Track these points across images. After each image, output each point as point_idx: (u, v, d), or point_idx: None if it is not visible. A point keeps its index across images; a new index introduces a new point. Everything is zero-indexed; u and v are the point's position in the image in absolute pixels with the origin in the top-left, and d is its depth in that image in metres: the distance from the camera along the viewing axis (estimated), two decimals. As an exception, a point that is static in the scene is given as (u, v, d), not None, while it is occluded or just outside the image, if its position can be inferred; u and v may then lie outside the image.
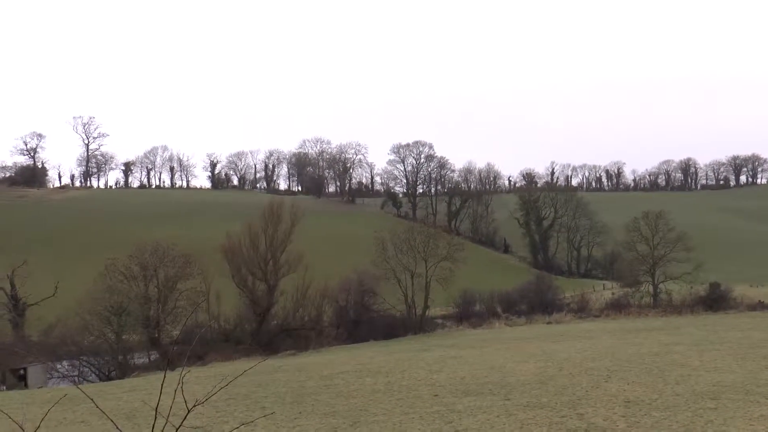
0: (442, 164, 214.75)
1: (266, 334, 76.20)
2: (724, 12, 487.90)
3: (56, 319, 72.04)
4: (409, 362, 47.82)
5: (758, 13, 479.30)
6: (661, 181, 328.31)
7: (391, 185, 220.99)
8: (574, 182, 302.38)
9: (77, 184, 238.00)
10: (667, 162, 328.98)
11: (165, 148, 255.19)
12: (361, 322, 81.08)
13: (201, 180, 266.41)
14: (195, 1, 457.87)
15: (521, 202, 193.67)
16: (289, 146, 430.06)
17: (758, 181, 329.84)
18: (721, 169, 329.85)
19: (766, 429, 24.49)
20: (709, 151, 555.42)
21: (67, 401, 32.42)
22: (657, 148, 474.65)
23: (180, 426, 7.10)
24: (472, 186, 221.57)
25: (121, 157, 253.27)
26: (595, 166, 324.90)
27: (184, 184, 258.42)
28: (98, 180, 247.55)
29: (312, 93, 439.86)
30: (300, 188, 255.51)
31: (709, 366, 39.23)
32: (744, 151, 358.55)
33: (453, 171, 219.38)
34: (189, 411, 7.19)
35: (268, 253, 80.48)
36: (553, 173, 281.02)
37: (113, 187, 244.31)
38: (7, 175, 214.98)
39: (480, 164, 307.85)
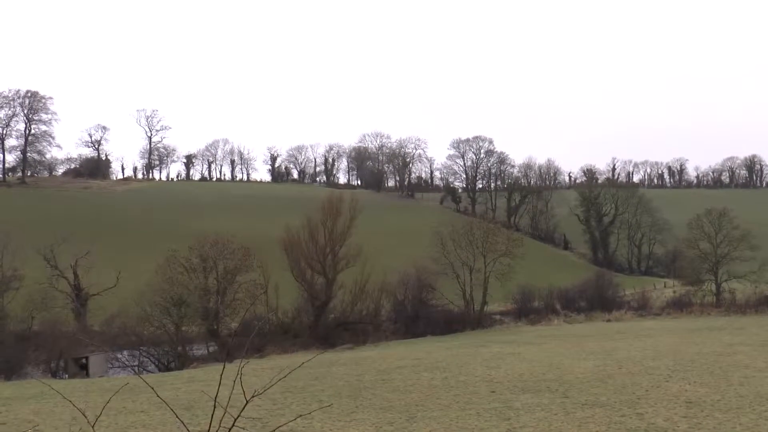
0: (502, 159, 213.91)
1: (324, 328, 76.60)
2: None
3: (117, 310, 73.27)
4: (466, 358, 47.65)
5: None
6: (725, 178, 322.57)
7: (450, 180, 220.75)
8: (636, 179, 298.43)
9: (139, 176, 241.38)
10: (731, 159, 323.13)
11: (226, 141, 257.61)
12: (418, 317, 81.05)
13: (261, 173, 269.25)
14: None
15: (581, 198, 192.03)
16: (348, 140, 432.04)
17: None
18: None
19: (832, 433, 23.89)
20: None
21: (128, 390, 32.89)
22: (721, 145, 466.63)
23: (238, 417, 7.14)
24: (531, 182, 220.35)
25: (183, 150, 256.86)
26: (657, 163, 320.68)
27: (245, 177, 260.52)
28: (160, 172, 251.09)
29: (373, 87, 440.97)
30: (359, 182, 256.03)
31: (774, 367, 38.44)
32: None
33: (513, 166, 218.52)
34: (247, 402, 7.22)
35: (326, 246, 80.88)
36: (614, 169, 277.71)
37: (175, 179, 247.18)
38: (72, 167, 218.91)
39: (540, 160, 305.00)
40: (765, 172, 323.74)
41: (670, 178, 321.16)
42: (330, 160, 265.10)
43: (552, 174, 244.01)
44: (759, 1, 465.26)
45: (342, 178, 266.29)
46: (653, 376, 36.16)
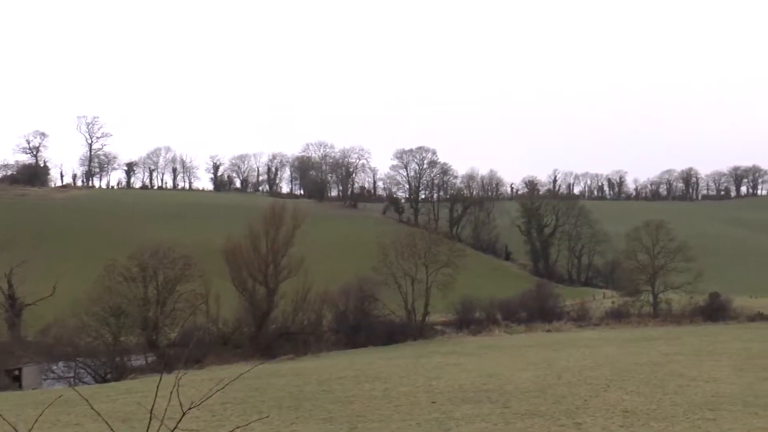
0: (445, 170, 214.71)
1: (265, 338, 76.13)
2: (726, 22, 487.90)
3: (54, 320, 72.00)
4: (407, 368, 47.76)
5: (761, 23, 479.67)
6: (663, 190, 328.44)
7: (393, 190, 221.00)
8: (576, 190, 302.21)
9: (79, 183, 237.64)
10: (668, 172, 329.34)
11: (168, 149, 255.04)
12: (360, 328, 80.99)
13: (203, 182, 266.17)
14: (200, 2, 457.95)
15: (523, 209, 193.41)
16: (292, 150, 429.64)
17: (759, 192, 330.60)
18: (722, 180, 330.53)
19: (764, 441, 24.43)
20: (710, 161, 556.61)
21: (62, 403, 32.31)
22: (659, 158, 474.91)
23: (175, 429, 7.08)
24: (474, 192, 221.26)
25: (124, 157, 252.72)
26: (597, 175, 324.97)
27: (187, 186, 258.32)
28: (100, 180, 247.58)
29: (316, 96, 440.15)
30: (302, 192, 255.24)
31: (708, 377, 39.19)
32: (745, 162, 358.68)
33: (456, 177, 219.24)
34: (184, 414, 7.16)
35: (269, 256, 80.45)
36: (555, 181, 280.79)
37: (115, 187, 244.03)
38: (9, 173, 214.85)
39: (483, 171, 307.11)
40: (701, 185, 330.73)
41: (609, 190, 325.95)
42: (273, 169, 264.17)
43: (494, 185, 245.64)
44: (697, 18, 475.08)
45: (285, 188, 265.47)
46: (592, 386, 36.62)
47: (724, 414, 28.75)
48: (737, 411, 29.38)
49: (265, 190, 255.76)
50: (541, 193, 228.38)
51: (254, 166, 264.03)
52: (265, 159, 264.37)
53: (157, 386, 7.51)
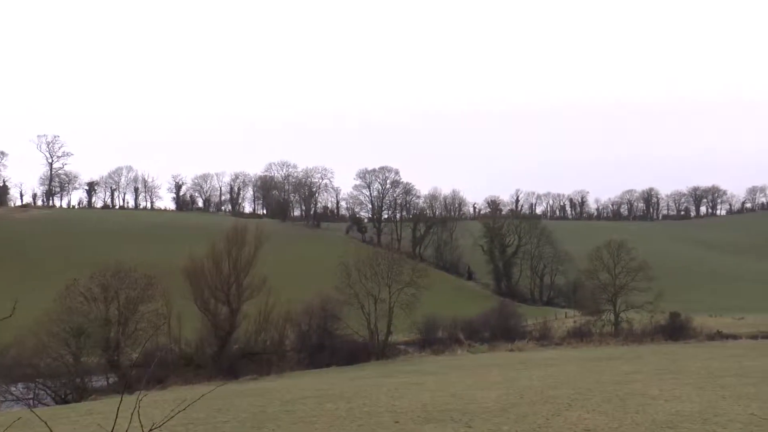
0: (408, 190, 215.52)
1: (227, 358, 75.62)
2: (686, 44, 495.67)
3: (13, 341, 70.92)
4: (370, 388, 47.62)
5: (719, 46, 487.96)
6: (624, 210, 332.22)
7: (356, 210, 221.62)
8: (538, 210, 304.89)
9: (39, 203, 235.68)
10: (629, 192, 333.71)
11: (130, 169, 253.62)
12: (323, 347, 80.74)
13: (166, 201, 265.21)
14: (162, 22, 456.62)
15: (485, 229, 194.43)
16: (254, 169, 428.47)
17: (718, 212, 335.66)
18: (682, 200, 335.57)
19: (723, 459, 24.67)
20: (670, 181, 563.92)
21: (21, 425, 31.81)
22: (620, 178, 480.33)
23: (136, 451, 7.03)
24: (437, 212, 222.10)
25: (85, 177, 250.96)
26: (559, 195, 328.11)
27: (149, 206, 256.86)
28: (61, 199, 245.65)
29: (279, 116, 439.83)
30: (265, 211, 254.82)
31: (669, 395, 39.48)
32: (704, 183, 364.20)
33: (418, 197, 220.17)
34: (145, 435, 7.11)
35: (231, 276, 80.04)
36: (517, 201, 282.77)
37: (76, 207, 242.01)
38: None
39: (445, 190, 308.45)
40: (661, 205, 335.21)
41: (571, 210, 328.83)
42: (236, 188, 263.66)
43: (457, 205, 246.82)
44: (657, 40, 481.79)
45: (248, 207, 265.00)
46: (554, 405, 36.75)
47: (684, 432, 28.99)
48: (696, 429, 29.62)
49: (227, 210, 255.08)
50: (503, 213, 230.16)
51: (217, 186, 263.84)
52: (227, 178, 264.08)
53: (118, 407, 7.46)
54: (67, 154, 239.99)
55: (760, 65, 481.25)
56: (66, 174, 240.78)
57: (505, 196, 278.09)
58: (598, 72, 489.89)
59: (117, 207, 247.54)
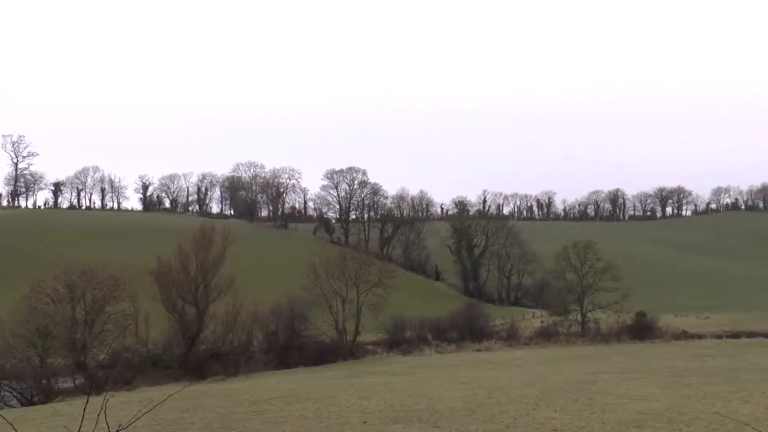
0: (376, 190, 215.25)
1: (195, 359, 75.23)
2: (652, 44, 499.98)
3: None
4: (338, 388, 47.60)
5: (685, 45, 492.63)
6: (591, 211, 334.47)
7: (324, 211, 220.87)
8: (506, 211, 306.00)
9: (4, 203, 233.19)
10: (596, 192, 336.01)
11: (96, 169, 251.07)
12: (291, 348, 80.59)
13: (132, 202, 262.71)
14: (130, 22, 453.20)
15: (453, 229, 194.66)
16: (222, 170, 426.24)
17: (683, 212, 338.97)
18: (648, 201, 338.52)
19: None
20: (636, 182, 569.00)
21: (-14, 427, 31.50)
22: (587, 179, 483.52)
23: (102, 452, 6.96)
24: (404, 213, 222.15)
25: (51, 177, 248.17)
26: (526, 195, 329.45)
27: (115, 206, 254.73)
28: (26, 200, 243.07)
29: (247, 116, 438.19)
30: (233, 212, 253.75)
31: (635, 394, 39.81)
32: (670, 184, 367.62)
33: (386, 197, 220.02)
34: (112, 437, 7.04)
35: (198, 276, 79.61)
36: (485, 201, 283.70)
37: (42, 207, 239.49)
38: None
39: (413, 191, 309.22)
40: (628, 205, 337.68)
41: (538, 211, 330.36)
42: (203, 189, 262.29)
43: (424, 205, 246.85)
44: (624, 40, 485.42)
45: (215, 208, 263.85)
46: (521, 405, 36.92)
47: (649, 431, 29.25)
48: (662, 428, 29.91)
49: (195, 211, 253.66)
50: (471, 213, 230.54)
51: (184, 186, 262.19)
52: (194, 179, 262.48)
53: (84, 409, 7.39)
54: (33, 154, 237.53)
55: (726, 68, 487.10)
56: (31, 174, 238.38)
57: (473, 197, 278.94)
58: (565, 74, 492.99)
59: (83, 207, 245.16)
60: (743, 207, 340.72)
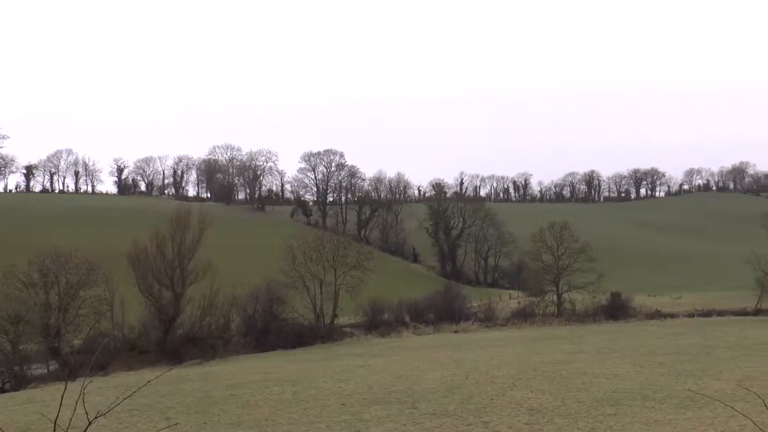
0: (353, 173, 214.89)
1: (172, 343, 74.96)
2: (626, 26, 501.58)
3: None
4: (316, 371, 47.71)
5: (660, 29, 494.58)
6: (566, 192, 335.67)
7: (301, 193, 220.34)
8: (483, 193, 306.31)
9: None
10: (571, 174, 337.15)
11: (69, 152, 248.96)
12: (269, 331, 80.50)
13: (107, 185, 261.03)
14: (102, 2, 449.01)
15: (430, 212, 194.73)
16: (198, 153, 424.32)
17: (657, 194, 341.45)
18: (623, 182, 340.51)
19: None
20: (611, 164, 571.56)
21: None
22: (562, 161, 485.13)
23: (80, 438, 6.95)
24: (382, 195, 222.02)
25: (23, 160, 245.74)
26: (503, 177, 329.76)
27: (90, 189, 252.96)
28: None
29: (223, 99, 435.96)
30: (209, 195, 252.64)
31: (610, 373, 40.19)
32: (644, 165, 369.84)
33: (363, 180, 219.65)
34: (90, 423, 7.03)
35: (175, 260, 79.20)
36: (462, 184, 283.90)
37: (13, 191, 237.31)
38: None
39: (390, 173, 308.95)
40: (603, 187, 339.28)
41: (515, 193, 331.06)
42: (179, 172, 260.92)
43: (402, 188, 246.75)
44: (598, 22, 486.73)
45: (191, 191, 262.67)
46: (498, 385, 37.18)
47: (624, 408, 29.59)
48: (636, 405, 30.26)
49: (171, 194, 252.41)
50: (448, 195, 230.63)
51: (160, 169, 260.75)
52: (170, 162, 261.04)
53: (62, 395, 7.37)
54: (4, 137, 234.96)
55: (698, 52, 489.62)
56: (2, 157, 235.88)
57: (450, 179, 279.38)
58: (541, 59, 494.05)
59: (56, 191, 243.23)
60: (715, 188, 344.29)
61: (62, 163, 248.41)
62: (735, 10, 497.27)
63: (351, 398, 35.09)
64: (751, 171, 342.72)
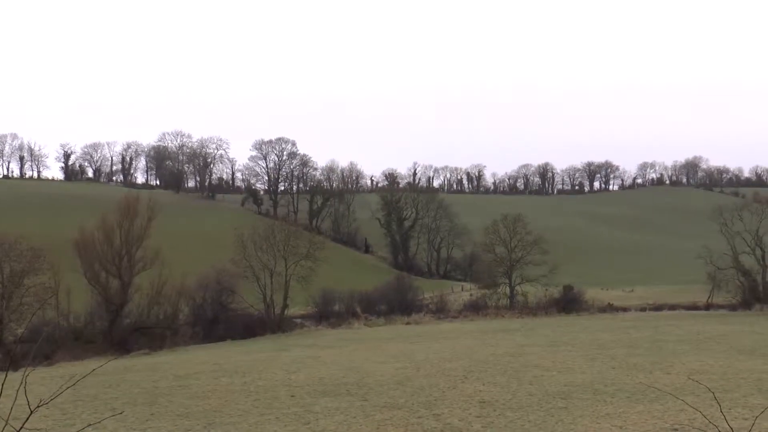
0: (305, 162, 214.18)
1: (119, 333, 74.27)
2: (583, 21, 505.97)
3: None
4: (266, 362, 47.58)
5: (614, 21, 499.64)
6: (520, 184, 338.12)
7: (252, 182, 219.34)
8: (436, 184, 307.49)
9: None
10: (525, 166, 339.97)
11: (14, 136, 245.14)
12: (218, 321, 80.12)
13: (53, 171, 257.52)
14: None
15: (383, 202, 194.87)
16: (148, 139, 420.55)
17: (611, 187, 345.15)
18: (577, 175, 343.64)
19: (611, 426, 25.56)
20: (565, 157, 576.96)
21: None
22: (516, 153, 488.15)
23: (21, 428, 6.82)
24: (334, 185, 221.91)
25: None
26: (456, 169, 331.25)
27: (35, 175, 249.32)
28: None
29: (173, 85, 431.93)
30: (158, 183, 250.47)
31: (561, 367, 40.58)
32: (598, 158, 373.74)
33: (315, 169, 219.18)
34: (31, 412, 6.90)
35: (123, 248, 78.46)
36: (415, 174, 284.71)
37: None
38: None
39: (343, 163, 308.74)
40: (556, 179, 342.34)
41: (468, 184, 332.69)
42: (128, 158, 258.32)
43: (354, 177, 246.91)
44: (556, 18, 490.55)
45: (140, 178, 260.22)
46: (450, 378, 37.35)
47: (575, 402, 29.89)
48: (588, 399, 30.58)
49: (119, 181, 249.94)
50: (401, 186, 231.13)
51: (108, 156, 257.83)
52: (119, 148, 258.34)
53: (2, 385, 7.22)
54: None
55: (653, 44, 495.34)
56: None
57: (403, 170, 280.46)
58: (495, 50, 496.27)
59: (0, 176, 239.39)
60: (668, 182, 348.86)
61: (7, 148, 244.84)
62: (690, 6, 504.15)
63: (301, 390, 35.04)
64: (704, 165, 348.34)
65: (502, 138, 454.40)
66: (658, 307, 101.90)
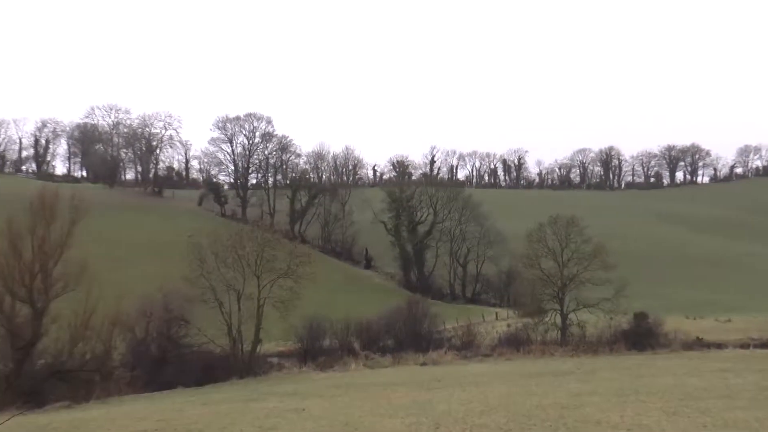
0: (284, 146, 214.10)
1: (29, 378, 74.31)
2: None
3: None
4: (232, 416, 47.54)
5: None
6: (575, 176, 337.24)
7: (213, 173, 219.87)
8: (461, 175, 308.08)
9: None
10: (582, 151, 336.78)
11: None
12: (166, 362, 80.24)
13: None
14: None
15: (390, 199, 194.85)
16: (70, 115, 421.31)
17: (698, 179, 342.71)
18: (652, 163, 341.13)
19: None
20: (637, 138, 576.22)
21: None
22: (570, 133, 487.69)
23: None
24: (324, 176, 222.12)
25: None
26: (488, 155, 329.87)
27: None
28: None
29: (106, 44, 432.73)
30: (85, 173, 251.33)
31: (632, 423, 40.41)
32: (681, 140, 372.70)
33: (299, 156, 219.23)
34: None
35: (35, 263, 78.44)
36: (432, 162, 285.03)
37: None
38: None
39: (336, 148, 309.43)
40: (625, 169, 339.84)
41: (505, 175, 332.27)
42: (43, 141, 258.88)
43: (351, 167, 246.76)
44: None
45: (60, 167, 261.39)
46: (480, 438, 37.25)
47: (652, 473, 29.74)
48: (669, 468, 30.43)
49: (31, 171, 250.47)
50: (414, 178, 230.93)
51: (15, 137, 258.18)
52: (31, 127, 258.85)
53: None
54: None
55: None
56: None
57: (417, 156, 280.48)
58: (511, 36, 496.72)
59: None
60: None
61: None
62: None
63: (278, 455, 35.00)
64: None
65: (550, 113, 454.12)
66: (765, 344, 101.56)
